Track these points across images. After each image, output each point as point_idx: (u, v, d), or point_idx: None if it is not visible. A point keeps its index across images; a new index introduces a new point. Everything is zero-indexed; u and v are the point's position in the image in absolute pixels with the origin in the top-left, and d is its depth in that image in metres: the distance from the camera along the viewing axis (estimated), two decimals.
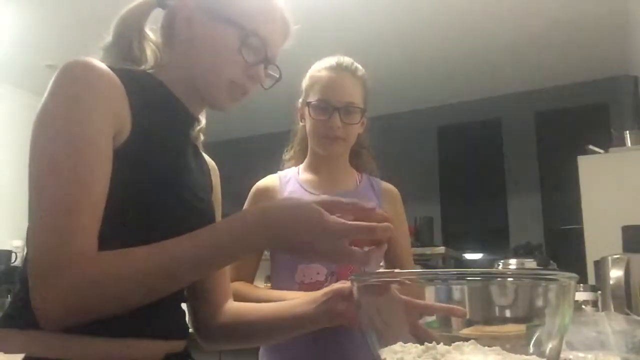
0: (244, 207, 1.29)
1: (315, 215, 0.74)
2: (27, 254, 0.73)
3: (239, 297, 1.08)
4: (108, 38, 0.91)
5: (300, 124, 1.44)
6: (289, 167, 1.47)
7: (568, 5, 3.92)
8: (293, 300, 1.00)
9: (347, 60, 1.40)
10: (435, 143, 5.91)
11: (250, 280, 1.34)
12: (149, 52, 0.93)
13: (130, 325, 0.80)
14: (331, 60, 1.39)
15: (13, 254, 4.76)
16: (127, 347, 0.79)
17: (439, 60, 4.78)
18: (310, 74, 1.41)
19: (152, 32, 0.95)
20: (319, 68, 1.39)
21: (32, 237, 0.72)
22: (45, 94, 0.77)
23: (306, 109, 1.38)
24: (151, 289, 0.74)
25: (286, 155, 1.50)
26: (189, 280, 0.80)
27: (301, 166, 1.45)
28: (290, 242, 0.76)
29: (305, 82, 1.42)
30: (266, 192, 1.38)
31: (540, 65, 4.85)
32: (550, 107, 5.33)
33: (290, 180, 1.40)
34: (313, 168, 1.42)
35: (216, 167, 1.08)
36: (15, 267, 4.77)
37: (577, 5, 3.91)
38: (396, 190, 1.47)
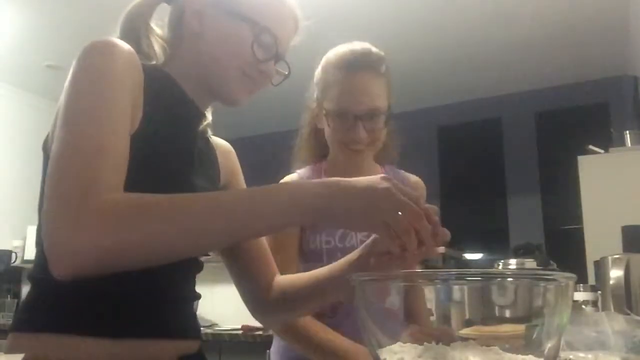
0: None
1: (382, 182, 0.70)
2: (44, 204, 0.66)
3: None
4: (115, 34, 0.90)
5: (311, 120, 1.32)
6: (302, 167, 1.34)
7: (568, 6, 3.92)
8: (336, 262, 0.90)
9: (365, 52, 1.21)
10: (435, 143, 5.91)
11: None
12: (157, 47, 0.92)
13: (143, 325, 0.79)
14: (348, 56, 1.20)
15: (13, 254, 4.75)
16: (139, 348, 0.78)
17: (439, 60, 4.78)
18: (325, 68, 1.24)
19: (157, 27, 0.94)
20: (334, 64, 1.22)
21: (56, 183, 0.66)
22: (71, 70, 0.75)
23: (323, 113, 1.22)
24: (189, 235, 0.66)
25: (298, 155, 1.38)
26: (229, 234, 0.70)
27: (323, 166, 1.31)
28: (349, 199, 0.69)
29: (318, 77, 1.26)
30: None
31: (540, 65, 4.85)
32: (550, 107, 5.33)
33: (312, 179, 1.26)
34: (339, 169, 1.23)
35: (232, 150, 1.05)
36: (15, 267, 4.77)
37: (577, 6, 3.91)
38: (422, 183, 1.35)
